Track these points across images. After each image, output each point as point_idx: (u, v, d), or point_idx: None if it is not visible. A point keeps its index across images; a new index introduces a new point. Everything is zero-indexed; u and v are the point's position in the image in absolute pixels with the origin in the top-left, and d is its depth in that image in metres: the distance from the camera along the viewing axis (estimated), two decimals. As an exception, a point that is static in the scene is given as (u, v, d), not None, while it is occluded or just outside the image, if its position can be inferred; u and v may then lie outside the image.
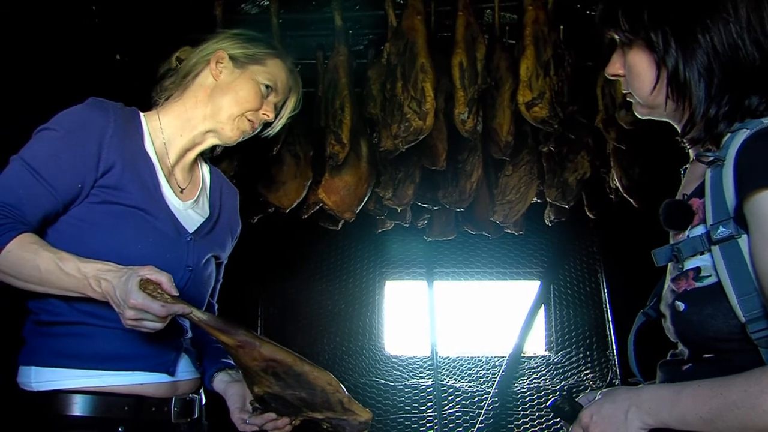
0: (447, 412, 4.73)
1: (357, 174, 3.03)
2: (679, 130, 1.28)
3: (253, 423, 1.62)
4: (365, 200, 3.15)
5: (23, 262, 1.44)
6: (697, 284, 1.15)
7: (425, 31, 2.77)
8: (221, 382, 1.76)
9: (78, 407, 1.51)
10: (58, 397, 1.52)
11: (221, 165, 2.77)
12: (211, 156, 2.09)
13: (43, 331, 1.58)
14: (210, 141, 1.79)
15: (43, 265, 1.44)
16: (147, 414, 1.57)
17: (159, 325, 1.41)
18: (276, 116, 1.87)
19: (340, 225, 3.55)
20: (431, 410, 4.75)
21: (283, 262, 4.81)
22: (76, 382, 1.53)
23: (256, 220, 3.27)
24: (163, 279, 1.40)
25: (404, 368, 4.90)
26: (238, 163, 2.88)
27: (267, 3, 3.10)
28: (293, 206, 3.10)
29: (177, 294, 1.42)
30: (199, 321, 1.44)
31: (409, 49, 2.73)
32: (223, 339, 1.46)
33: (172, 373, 1.64)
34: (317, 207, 3.21)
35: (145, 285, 1.38)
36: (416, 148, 2.91)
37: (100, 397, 1.53)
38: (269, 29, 2.89)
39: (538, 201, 3.58)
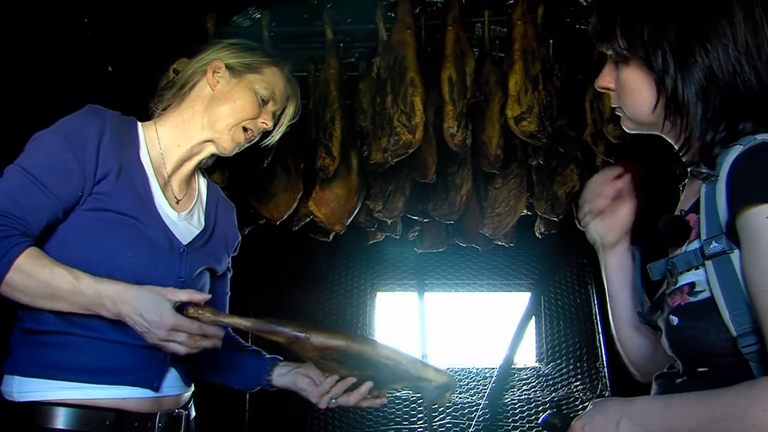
0: (437, 423, 4.71)
1: (347, 186, 3.04)
2: (676, 148, 1.28)
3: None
4: (356, 212, 3.15)
5: (35, 279, 1.42)
6: (691, 299, 1.16)
7: (415, 45, 2.79)
8: (281, 376, 1.77)
9: (58, 420, 1.49)
10: (39, 408, 1.50)
11: (212, 176, 2.76)
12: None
13: (28, 339, 1.55)
14: (208, 150, 1.78)
15: (56, 282, 1.42)
16: (129, 428, 1.55)
17: (184, 349, 1.46)
18: (275, 125, 1.87)
19: (331, 237, 3.55)
20: (421, 422, 4.73)
21: (274, 273, 4.79)
22: (57, 393, 1.51)
23: (247, 232, 3.27)
24: (205, 298, 1.49)
25: (394, 380, 4.87)
26: (230, 174, 2.88)
27: (259, 16, 3.11)
28: (284, 218, 3.10)
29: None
30: (246, 328, 1.50)
31: (399, 63, 2.74)
32: (274, 339, 1.50)
33: (156, 389, 1.60)
34: (308, 219, 3.21)
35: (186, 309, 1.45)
36: (406, 161, 2.91)
37: (80, 410, 1.51)
38: (261, 42, 2.90)
39: (528, 213, 3.59)
